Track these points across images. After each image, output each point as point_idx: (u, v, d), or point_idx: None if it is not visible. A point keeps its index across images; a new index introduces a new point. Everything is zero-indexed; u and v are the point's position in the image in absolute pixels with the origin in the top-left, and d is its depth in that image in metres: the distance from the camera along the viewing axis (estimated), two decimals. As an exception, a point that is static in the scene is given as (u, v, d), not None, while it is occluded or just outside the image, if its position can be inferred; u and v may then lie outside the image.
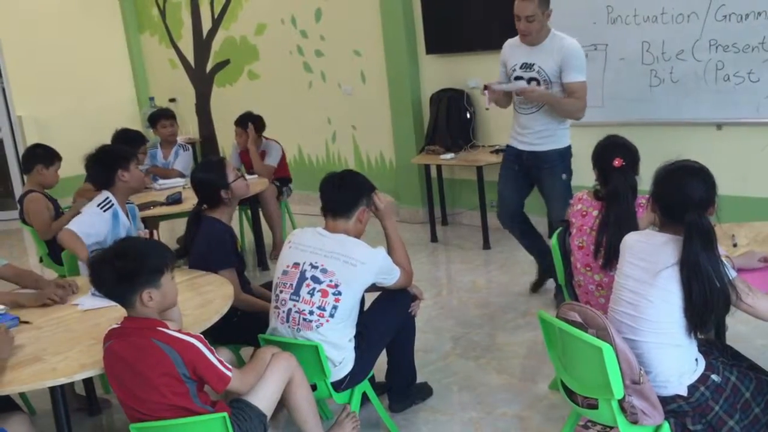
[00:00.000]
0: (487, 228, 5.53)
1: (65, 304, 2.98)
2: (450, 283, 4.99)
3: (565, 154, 4.17)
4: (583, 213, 3.10)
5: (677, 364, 2.25)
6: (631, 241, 2.40)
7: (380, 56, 6.40)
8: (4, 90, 8.31)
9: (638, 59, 4.88)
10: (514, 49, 4.17)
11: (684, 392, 2.24)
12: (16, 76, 8.30)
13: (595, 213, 3.03)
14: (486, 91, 4.18)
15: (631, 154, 2.96)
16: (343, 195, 2.93)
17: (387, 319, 2.99)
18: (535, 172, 4.21)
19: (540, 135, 4.11)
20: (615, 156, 2.91)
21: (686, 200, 2.23)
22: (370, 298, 3.08)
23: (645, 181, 2.69)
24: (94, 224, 3.52)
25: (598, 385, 2.23)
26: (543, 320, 2.42)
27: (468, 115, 5.87)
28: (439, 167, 6.11)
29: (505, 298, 4.51)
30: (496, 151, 5.56)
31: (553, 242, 3.23)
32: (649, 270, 2.26)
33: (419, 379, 3.32)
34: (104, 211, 3.56)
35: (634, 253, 2.35)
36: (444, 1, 5.88)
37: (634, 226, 2.78)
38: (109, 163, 3.61)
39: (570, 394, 2.43)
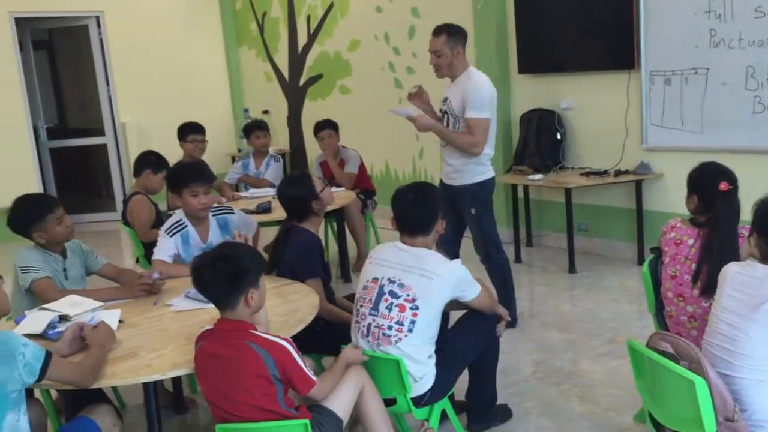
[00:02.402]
0: (573, 251, 5.43)
1: (158, 300, 3.12)
2: (532, 305, 4.91)
3: (477, 189, 4.16)
4: (677, 241, 3.00)
5: (776, 403, 2.15)
6: (731, 272, 2.31)
7: (471, 75, 6.39)
8: (110, 98, 8.78)
9: (741, 84, 4.70)
10: (445, 86, 4.26)
11: (782, 434, 2.14)
12: (123, 84, 8.76)
13: (690, 241, 2.93)
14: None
15: (733, 181, 2.85)
16: (421, 213, 2.90)
17: (471, 338, 2.97)
18: (457, 205, 4.22)
19: (455, 169, 4.19)
20: (720, 180, 2.81)
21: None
22: (456, 317, 3.07)
23: (744, 211, 2.59)
24: (170, 247, 3.64)
25: (688, 420, 2.15)
26: (632, 349, 2.36)
27: (558, 136, 5.79)
28: (526, 188, 6.05)
29: (590, 324, 4.41)
30: (587, 174, 5.47)
31: (644, 270, 3.13)
32: (748, 303, 2.17)
33: (499, 401, 3.28)
34: (170, 236, 3.64)
35: (733, 285, 2.26)
36: (539, 21, 5.85)
37: (736, 254, 2.68)
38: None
39: (658, 427, 2.35)
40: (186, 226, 3.68)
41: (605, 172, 5.44)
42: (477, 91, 4.01)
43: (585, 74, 5.65)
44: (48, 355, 2.19)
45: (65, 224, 3.23)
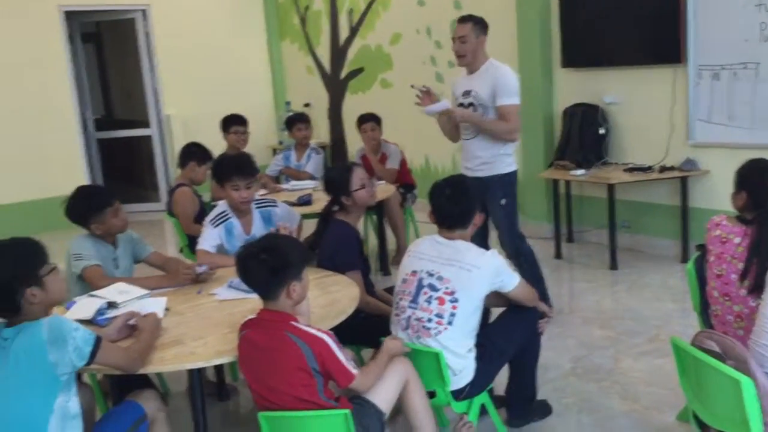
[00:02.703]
0: (615, 248, 5.36)
1: (202, 289, 3.18)
2: (573, 301, 4.87)
3: (506, 180, 4.22)
4: (722, 239, 2.94)
5: (825, 406, 2.10)
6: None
7: (514, 68, 6.33)
8: (155, 90, 8.93)
9: (793, 79, 4.59)
10: (459, 80, 4.37)
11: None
12: (167, 77, 8.90)
13: (737, 240, 2.87)
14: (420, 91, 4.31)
15: None
16: (458, 207, 2.90)
17: (512, 334, 2.97)
18: (483, 197, 4.15)
19: (483, 161, 4.22)
20: None
21: None
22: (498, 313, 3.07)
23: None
24: (214, 237, 3.70)
25: (734, 420, 2.11)
26: (677, 347, 2.33)
27: (602, 131, 5.72)
28: (567, 183, 5.99)
29: (632, 321, 4.36)
30: (630, 170, 5.39)
31: (689, 268, 3.08)
32: (798, 303, 2.13)
33: (539, 397, 3.26)
34: (215, 226, 3.71)
35: (783, 284, 2.21)
36: (584, 13, 5.78)
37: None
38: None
39: (702, 426, 2.32)
40: (230, 217, 3.74)
41: (649, 168, 5.36)
42: (507, 78, 4.12)
43: (630, 68, 5.56)
44: (98, 340, 2.25)
45: (121, 217, 3.34)
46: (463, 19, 4.23)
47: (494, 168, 4.20)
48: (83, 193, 3.34)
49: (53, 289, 2.28)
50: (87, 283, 3.19)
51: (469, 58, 4.19)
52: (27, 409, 2.12)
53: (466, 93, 4.24)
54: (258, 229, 3.79)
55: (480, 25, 4.21)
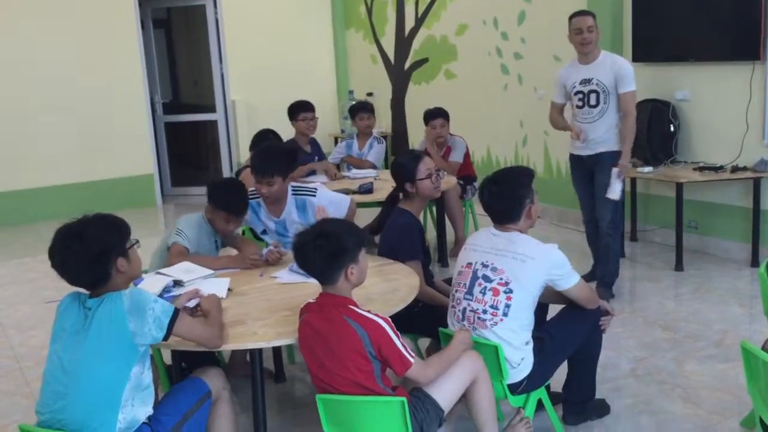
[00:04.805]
0: (681, 248, 5.21)
1: (264, 272, 3.24)
2: (635, 301, 4.76)
3: (616, 155, 4.61)
4: (800, 242, 2.84)
5: None
6: None
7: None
8: (222, 76, 9.09)
9: None
10: (569, 71, 4.77)
11: None
12: (234, 63, 9.05)
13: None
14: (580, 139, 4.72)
15: None
16: (505, 203, 2.86)
17: (573, 329, 2.92)
18: (595, 172, 4.71)
19: (600, 138, 4.64)
20: None
21: None
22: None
23: None
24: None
25: (805, 429, 2.04)
26: (746, 351, 2.26)
27: (672, 129, 5.56)
28: (633, 180, 5.86)
29: (697, 324, 4.24)
30: (700, 169, 5.24)
31: (761, 271, 2.98)
32: None
33: (597, 396, 3.21)
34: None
35: None
36: (657, 6, 5.62)
37: None
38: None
39: (769, 434, 2.25)
40: (258, 197, 3.80)
41: (721, 168, 5.19)
42: (627, 68, 4.55)
43: (705, 64, 5.38)
44: (176, 312, 2.31)
45: (232, 227, 3.53)
46: (585, 13, 4.66)
47: (609, 144, 4.63)
48: (231, 188, 3.58)
49: (136, 262, 2.39)
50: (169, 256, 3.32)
51: (592, 46, 4.58)
52: (106, 374, 2.20)
53: (586, 81, 4.61)
54: (289, 215, 3.82)
55: (596, 18, 4.65)
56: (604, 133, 4.61)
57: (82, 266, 2.24)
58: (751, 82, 5.09)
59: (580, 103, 4.65)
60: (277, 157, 3.75)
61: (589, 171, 4.75)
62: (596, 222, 4.80)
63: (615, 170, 4.54)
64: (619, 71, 4.51)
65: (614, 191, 4.56)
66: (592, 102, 4.59)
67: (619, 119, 4.58)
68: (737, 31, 5.13)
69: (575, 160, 4.82)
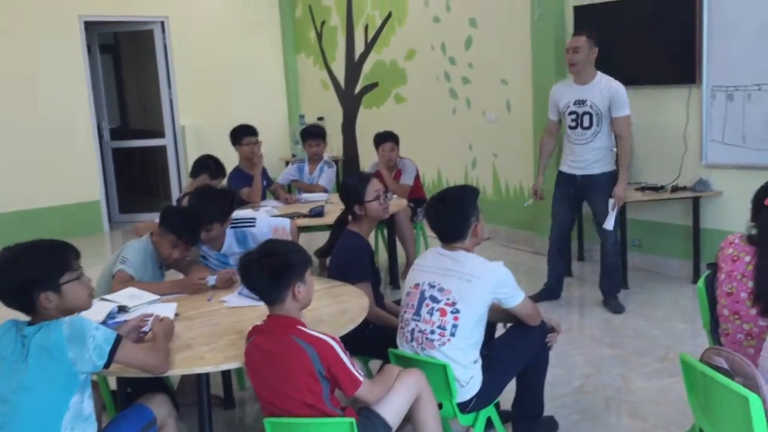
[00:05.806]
0: (626, 266, 5.34)
1: (212, 296, 3.22)
2: (583, 319, 4.85)
3: (612, 175, 4.76)
4: (734, 258, 2.92)
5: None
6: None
7: (527, 86, 6.38)
8: (171, 101, 9.01)
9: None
10: (563, 90, 4.85)
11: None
12: (183, 88, 8.99)
13: (747, 258, 2.86)
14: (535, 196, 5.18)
15: None
16: (452, 222, 2.90)
17: (519, 347, 2.96)
18: (588, 192, 4.84)
19: (594, 159, 4.76)
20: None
21: None
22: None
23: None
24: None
25: (741, 438, 2.10)
26: (685, 363, 2.32)
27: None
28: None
29: (642, 340, 4.34)
30: (642, 189, 5.39)
31: (699, 286, 3.07)
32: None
33: (546, 413, 3.25)
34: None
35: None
36: (599, 34, 5.75)
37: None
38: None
39: (709, 444, 2.30)
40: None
41: (662, 188, 5.35)
42: (621, 92, 4.64)
43: (644, 88, 5.56)
44: (117, 339, 2.26)
45: (176, 254, 3.45)
46: (578, 33, 4.78)
47: (603, 165, 4.76)
48: (190, 217, 3.52)
49: (72, 297, 2.27)
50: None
51: (579, 67, 4.65)
52: (44, 404, 2.15)
53: (580, 102, 4.71)
54: (229, 248, 3.82)
55: (593, 39, 4.66)
56: (597, 154, 4.72)
57: (8, 296, 2.22)
58: (688, 105, 5.28)
59: (573, 124, 4.77)
60: (216, 203, 3.71)
61: (577, 191, 4.85)
62: (562, 243, 4.96)
63: (611, 201, 4.65)
64: (614, 95, 4.61)
65: (609, 222, 4.68)
66: (585, 124, 4.71)
67: (613, 141, 4.71)
68: (674, 57, 5.33)
69: (566, 178, 4.90)
